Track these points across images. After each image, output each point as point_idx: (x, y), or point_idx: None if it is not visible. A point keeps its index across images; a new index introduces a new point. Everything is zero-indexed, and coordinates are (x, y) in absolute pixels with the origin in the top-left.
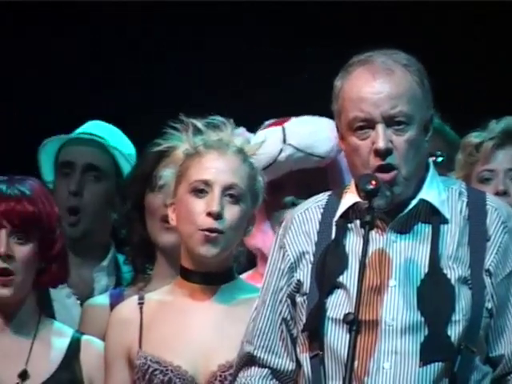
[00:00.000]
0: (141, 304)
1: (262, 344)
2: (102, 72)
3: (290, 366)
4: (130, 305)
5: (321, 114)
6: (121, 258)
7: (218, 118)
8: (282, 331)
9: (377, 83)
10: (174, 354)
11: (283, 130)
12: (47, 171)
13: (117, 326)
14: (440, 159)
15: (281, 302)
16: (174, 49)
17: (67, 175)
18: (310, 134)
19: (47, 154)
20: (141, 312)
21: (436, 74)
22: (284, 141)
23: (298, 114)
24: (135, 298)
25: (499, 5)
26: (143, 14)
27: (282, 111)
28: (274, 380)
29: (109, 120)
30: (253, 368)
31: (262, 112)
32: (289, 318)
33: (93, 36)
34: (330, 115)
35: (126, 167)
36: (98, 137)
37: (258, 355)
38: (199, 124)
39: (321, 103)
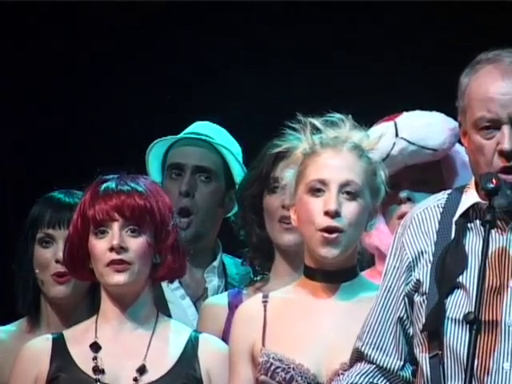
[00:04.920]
0: (265, 302)
1: (370, 341)
2: None
3: (398, 364)
4: (254, 303)
5: None
6: (227, 258)
7: (336, 115)
8: (395, 330)
9: (505, 83)
10: (296, 351)
11: (395, 124)
12: (155, 174)
13: (241, 323)
14: None
15: (396, 300)
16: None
17: (177, 176)
18: (422, 126)
19: (155, 157)
20: (265, 310)
21: None
22: (396, 135)
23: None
24: (259, 296)
25: None
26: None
27: None
28: (380, 377)
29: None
30: (359, 364)
31: None
32: (405, 317)
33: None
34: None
35: (236, 166)
36: (206, 136)
37: (366, 351)
38: (317, 122)
39: None
